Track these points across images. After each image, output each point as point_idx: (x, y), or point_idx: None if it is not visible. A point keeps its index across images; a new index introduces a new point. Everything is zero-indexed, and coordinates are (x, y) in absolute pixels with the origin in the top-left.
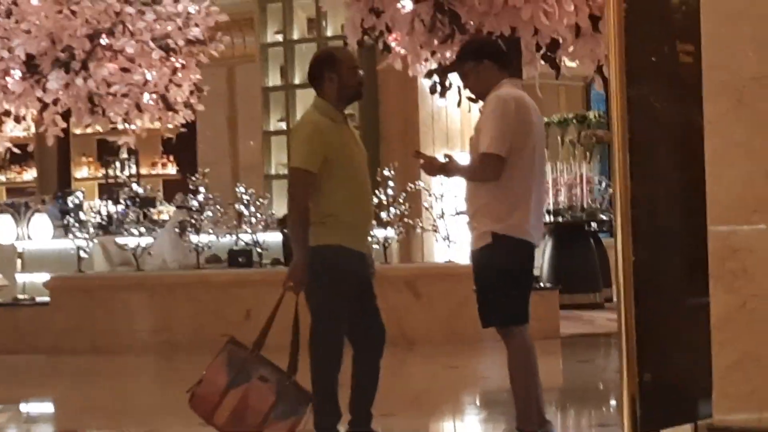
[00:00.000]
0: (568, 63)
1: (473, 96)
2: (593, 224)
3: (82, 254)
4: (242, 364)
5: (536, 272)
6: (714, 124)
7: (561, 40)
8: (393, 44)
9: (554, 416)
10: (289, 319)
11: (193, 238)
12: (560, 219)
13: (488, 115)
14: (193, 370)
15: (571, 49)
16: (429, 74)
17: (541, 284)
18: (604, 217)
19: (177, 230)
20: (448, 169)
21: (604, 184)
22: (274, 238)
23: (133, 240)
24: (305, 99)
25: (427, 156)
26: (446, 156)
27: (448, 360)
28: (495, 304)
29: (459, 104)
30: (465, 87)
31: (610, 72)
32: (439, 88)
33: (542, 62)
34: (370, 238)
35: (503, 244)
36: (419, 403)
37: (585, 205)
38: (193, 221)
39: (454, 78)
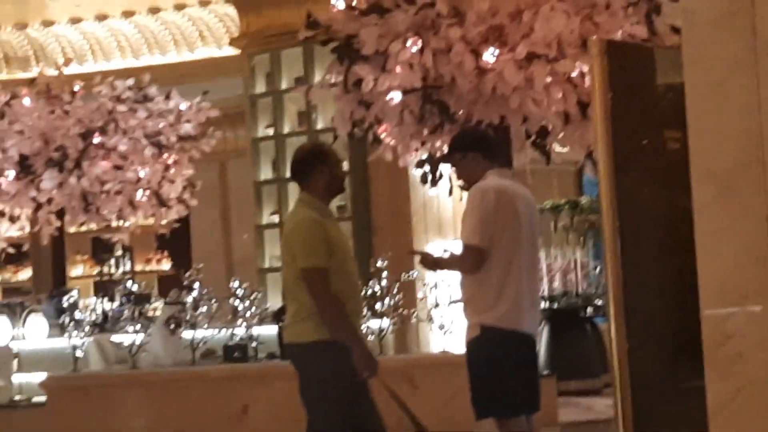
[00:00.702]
0: (558, 149)
1: (465, 185)
2: (589, 309)
3: (78, 353)
4: None
5: None
6: (702, 209)
7: (550, 127)
8: (383, 135)
9: None
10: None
11: (188, 334)
12: (555, 305)
13: (468, 207)
14: None
15: (560, 135)
16: (420, 164)
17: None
18: (599, 302)
19: (170, 326)
20: (439, 263)
21: (598, 269)
22: (270, 331)
23: (128, 337)
24: (297, 192)
25: (422, 252)
26: (445, 250)
27: None
28: (487, 395)
29: (450, 193)
30: (457, 178)
31: (599, 159)
32: (429, 177)
33: (532, 149)
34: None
35: (491, 336)
36: None
37: (580, 291)
38: (183, 317)
39: (444, 167)
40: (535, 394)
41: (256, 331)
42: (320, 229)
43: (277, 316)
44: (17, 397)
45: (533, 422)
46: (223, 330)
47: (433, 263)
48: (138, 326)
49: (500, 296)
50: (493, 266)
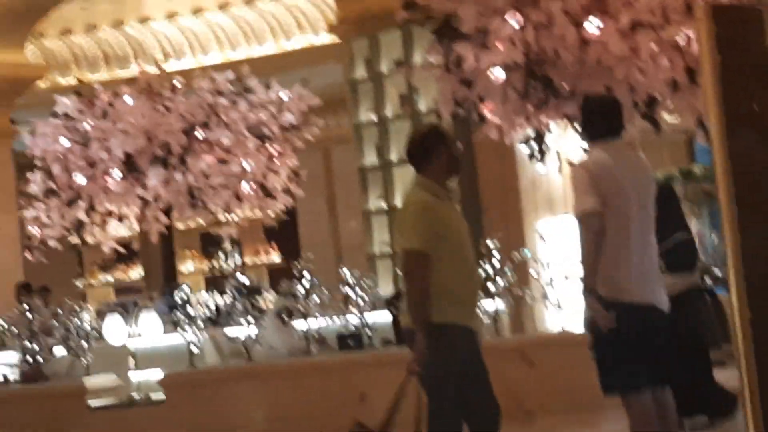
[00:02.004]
0: (667, 118)
1: (572, 161)
2: (708, 280)
3: (193, 349)
4: None
5: None
6: None
7: (658, 96)
8: (487, 114)
9: None
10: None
11: (301, 324)
12: None
13: (572, 184)
14: None
15: (669, 104)
16: (526, 141)
17: None
18: (718, 273)
19: (283, 317)
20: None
21: (716, 238)
22: (383, 318)
23: (242, 331)
24: (403, 176)
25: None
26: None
27: (567, 429)
28: (609, 370)
29: (559, 169)
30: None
31: (711, 126)
32: (537, 154)
33: (641, 119)
34: (479, 313)
35: (612, 309)
36: None
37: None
38: (295, 307)
39: (551, 142)
40: (663, 367)
41: (369, 318)
42: (426, 213)
43: (390, 303)
44: (135, 395)
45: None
46: (336, 318)
47: (590, 297)
48: (251, 319)
49: (617, 266)
50: (607, 239)
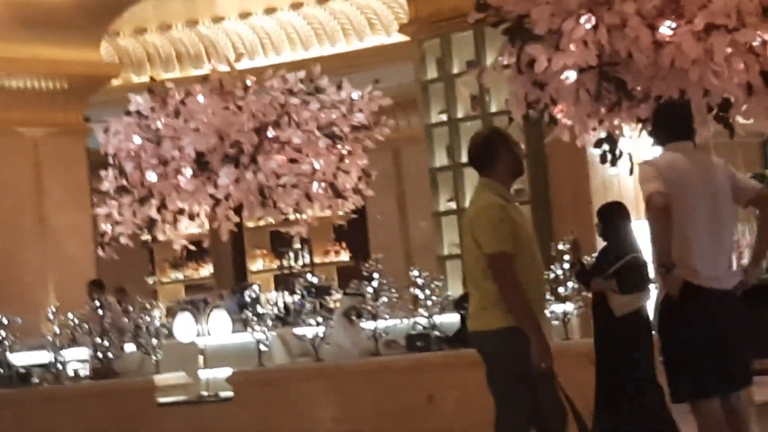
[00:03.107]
0: (742, 121)
1: None
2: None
3: (262, 347)
4: None
5: None
6: None
7: (732, 100)
8: (559, 116)
9: None
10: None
11: (370, 324)
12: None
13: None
14: None
15: (743, 107)
16: (598, 143)
17: None
18: None
19: (351, 317)
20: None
21: None
22: (452, 319)
23: (310, 330)
24: (473, 178)
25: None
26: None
27: None
28: (677, 375)
29: (631, 172)
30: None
31: None
32: (609, 156)
33: (715, 122)
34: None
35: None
36: None
37: None
38: (363, 307)
39: (624, 145)
40: (733, 371)
41: (438, 319)
42: (504, 214)
43: (459, 304)
44: (204, 393)
45: (741, 400)
46: (405, 319)
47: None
48: (320, 319)
49: (687, 251)
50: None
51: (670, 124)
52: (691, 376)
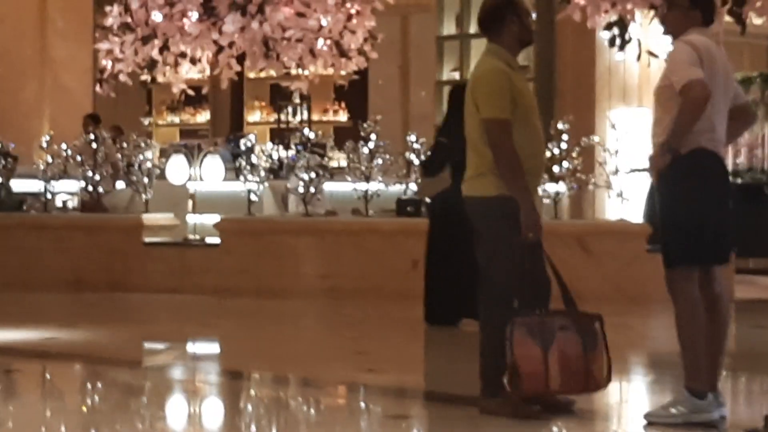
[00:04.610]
0: (754, 20)
1: (653, 51)
2: None
3: (253, 197)
4: (539, 326)
5: None
6: None
7: None
8: None
9: (724, 380)
10: None
11: (362, 185)
12: (739, 180)
13: (674, 55)
14: (357, 316)
15: (758, 4)
16: (609, 26)
17: None
18: None
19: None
20: (670, 140)
21: None
22: None
23: (302, 185)
24: (480, 49)
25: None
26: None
27: (615, 318)
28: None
29: (638, 58)
30: (663, 32)
31: None
32: (618, 41)
33: (727, 17)
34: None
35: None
36: None
37: (765, 167)
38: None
39: (634, 31)
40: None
41: None
42: (506, 80)
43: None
44: (191, 236)
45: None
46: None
47: (666, 149)
48: (312, 174)
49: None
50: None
51: (698, 7)
52: (687, 239)
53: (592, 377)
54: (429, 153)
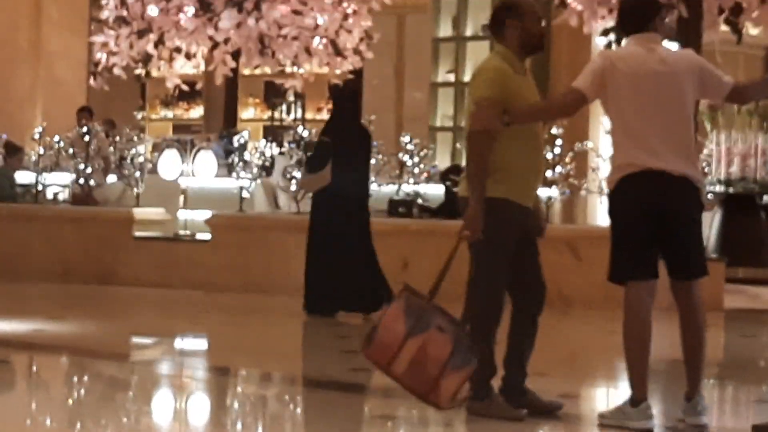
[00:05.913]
0: (750, 30)
1: None
2: (765, 197)
3: (244, 194)
4: (420, 312)
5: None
6: None
7: (745, 5)
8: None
9: (712, 389)
10: (459, 269)
11: None
12: (731, 189)
13: None
14: (346, 315)
15: (755, 13)
16: (605, 32)
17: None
18: None
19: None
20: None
21: None
22: (436, 190)
23: (293, 183)
24: (476, 51)
25: None
26: None
27: (604, 324)
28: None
29: None
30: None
31: None
32: (614, 47)
33: (724, 27)
34: (538, 194)
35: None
36: (573, 366)
37: (758, 177)
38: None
39: None
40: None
41: (423, 188)
42: (499, 80)
43: (445, 176)
44: (181, 232)
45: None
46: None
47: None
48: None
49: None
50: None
51: (631, 15)
52: (622, 256)
53: (437, 390)
54: (313, 151)
